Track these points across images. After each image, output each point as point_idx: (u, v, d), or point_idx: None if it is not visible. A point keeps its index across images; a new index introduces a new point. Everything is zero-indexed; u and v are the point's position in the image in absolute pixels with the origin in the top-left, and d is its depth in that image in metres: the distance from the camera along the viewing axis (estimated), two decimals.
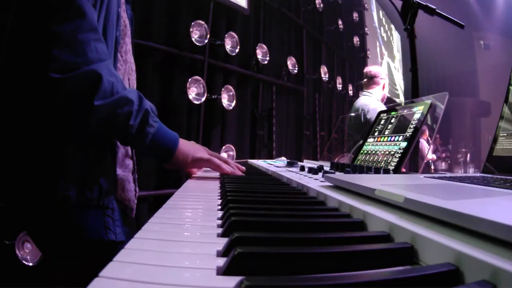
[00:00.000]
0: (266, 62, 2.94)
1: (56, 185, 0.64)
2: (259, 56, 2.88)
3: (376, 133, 0.98)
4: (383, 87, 2.40)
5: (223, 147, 2.52)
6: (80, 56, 0.60)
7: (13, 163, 0.66)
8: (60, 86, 0.59)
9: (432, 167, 6.10)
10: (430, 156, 6.05)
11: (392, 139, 0.88)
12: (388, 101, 2.53)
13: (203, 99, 2.27)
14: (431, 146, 6.14)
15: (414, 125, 0.82)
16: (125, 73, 0.81)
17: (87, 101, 0.60)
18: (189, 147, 0.76)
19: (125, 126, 0.65)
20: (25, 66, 0.63)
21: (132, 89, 0.68)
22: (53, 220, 0.66)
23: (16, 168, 0.66)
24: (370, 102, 2.28)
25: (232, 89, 2.53)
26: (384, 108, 2.06)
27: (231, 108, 2.52)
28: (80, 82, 0.60)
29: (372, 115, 2.14)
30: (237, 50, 2.57)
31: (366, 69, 2.53)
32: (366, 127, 2.14)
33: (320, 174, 0.71)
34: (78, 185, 0.65)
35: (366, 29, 5.39)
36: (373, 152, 0.93)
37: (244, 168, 0.84)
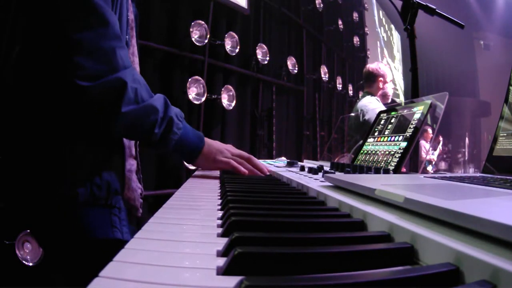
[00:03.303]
0: (266, 62, 2.94)
1: (64, 183, 0.64)
2: (259, 56, 2.88)
3: (376, 133, 0.98)
4: (379, 83, 2.31)
5: None
6: (106, 64, 0.61)
7: (23, 162, 0.66)
8: (86, 93, 0.60)
9: (433, 168, 6.09)
10: (431, 156, 6.03)
11: (392, 139, 0.88)
12: None
13: (203, 99, 2.27)
14: (431, 147, 6.12)
15: (414, 125, 0.82)
16: None
17: (114, 108, 0.62)
18: (212, 150, 0.78)
19: (150, 134, 0.67)
20: (44, 69, 0.63)
21: (159, 96, 0.70)
22: (60, 218, 0.66)
23: (26, 166, 0.66)
24: (370, 102, 2.23)
25: (232, 89, 2.53)
26: (382, 108, 2.03)
27: (231, 108, 2.52)
28: (106, 90, 0.61)
29: (370, 116, 2.10)
30: (237, 50, 2.57)
31: (364, 68, 2.49)
32: (365, 128, 2.11)
33: (320, 174, 0.71)
34: (87, 184, 0.66)
35: (366, 29, 5.39)
36: (373, 152, 0.93)
37: (267, 170, 0.85)
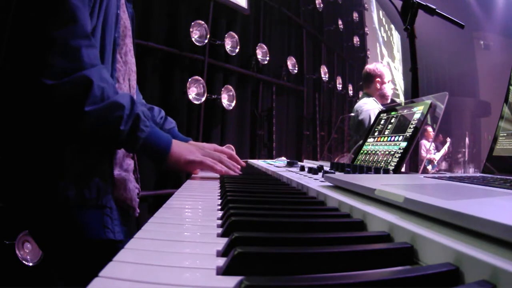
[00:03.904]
0: (266, 62, 2.94)
1: (55, 185, 0.64)
2: (259, 56, 2.88)
3: (376, 133, 0.98)
4: (376, 84, 2.29)
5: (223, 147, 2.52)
6: (72, 62, 0.61)
7: (13, 164, 0.66)
8: (51, 91, 0.59)
9: (433, 168, 6.09)
10: (432, 156, 6.02)
11: (392, 139, 0.88)
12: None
13: (203, 99, 2.27)
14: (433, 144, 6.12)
15: (414, 125, 0.82)
16: (125, 74, 0.81)
17: (78, 107, 0.61)
18: (182, 150, 0.76)
19: (116, 131, 0.65)
20: (21, 70, 0.63)
21: (124, 93, 0.69)
22: (53, 220, 0.66)
23: (16, 168, 0.66)
24: (365, 103, 2.24)
25: (232, 89, 2.53)
26: (378, 108, 2.03)
27: (231, 108, 2.52)
28: (71, 88, 0.61)
29: (364, 117, 2.12)
30: (237, 50, 2.57)
31: (363, 70, 2.48)
32: (360, 128, 2.13)
33: (320, 174, 0.71)
34: (77, 185, 0.66)
35: (366, 29, 5.39)
36: (373, 152, 0.93)
37: (243, 164, 0.84)
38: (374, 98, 2.29)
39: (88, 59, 0.62)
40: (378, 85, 2.30)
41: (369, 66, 2.40)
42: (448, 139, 6.75)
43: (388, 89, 2.33)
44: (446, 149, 6.66)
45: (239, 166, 0.84)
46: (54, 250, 0.70)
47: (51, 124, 0.66)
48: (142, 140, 0.68)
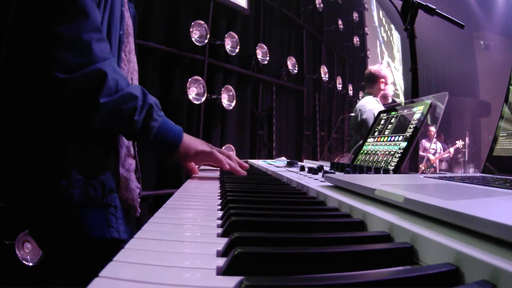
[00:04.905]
0: (266, 62, 2.94)
1: (59, 184, 0.64)
2: (259, 56, 2.88)
3: (376, 133, 0.98)
4: (380, 84, 2.33)
5: (223, 147, 2.53)
6: (84, 56, 0.61)
7: (17, 162, 0.66)
8: (64, 85, 0.60)
9: (430, 169, 6.07)
10: (433, 157, 5.99)
11: (392, 139, 0.88)
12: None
13: (203, 99, 2.27)
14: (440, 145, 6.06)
15: (414, 125, 0.82)
16: (128, 73, 0.81)
17: (93, 99, 0.61)
18: (191, 141, 0.77)
19: (130, 122, 0.66)
20: (27, 65, 0.63)
21: (136, 85, 0.70)
22: (56, 219, 0.66)
23: (20, 167, 0.66)
24: (368, 102, 2.26)
25: (232, 89, 2.53)
26: (381, 108, 2.03)
27: (231, 108, 2.52)
28: (86, 81, 0.61)
29: (367, 116, 2.13)
30: (237, 50, 2.57)
31: (366, 70, 2.52)
32: (362, 128, 2.14)
33: (320, 174, 0.71)
34: (82, 184, 0.66)
35: (366, 29, 5.39)
36: (373, 152, 0.93)
37: (247, 166, 0.84)
38: (376, 98, 2.31)
39: (100, 53, 0.63)
40: (382, 86, 2.34)
41: (373, 67, 2.45)
42: (459, 142, 6.62)
43: (390, 90, 2.38)
44: (452, 151, 6.55)
45: (246, 166, 0.84)
46: (55, 250, 0.70)
47: (62, 118, 0.66)
48: (155, 129, 0.69)
